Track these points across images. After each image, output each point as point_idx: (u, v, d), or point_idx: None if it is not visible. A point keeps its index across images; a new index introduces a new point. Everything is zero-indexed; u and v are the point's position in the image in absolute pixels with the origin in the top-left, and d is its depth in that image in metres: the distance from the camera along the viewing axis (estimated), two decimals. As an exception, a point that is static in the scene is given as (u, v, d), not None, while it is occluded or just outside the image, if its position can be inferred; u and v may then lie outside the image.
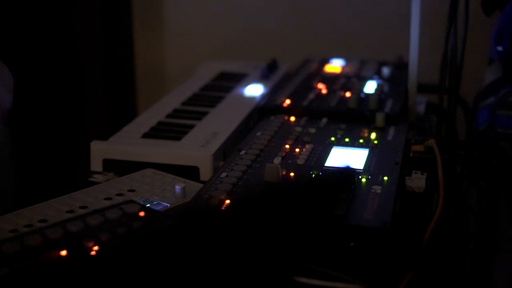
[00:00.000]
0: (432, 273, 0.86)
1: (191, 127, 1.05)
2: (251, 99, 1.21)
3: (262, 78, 1.34)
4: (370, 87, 1.23)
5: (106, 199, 0.83)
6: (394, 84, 1.26)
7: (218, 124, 1.06)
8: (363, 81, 1.28)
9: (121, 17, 1.94)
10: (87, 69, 1.81)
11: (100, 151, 0.98)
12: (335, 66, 1.41)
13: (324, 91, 1.21)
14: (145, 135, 1.02)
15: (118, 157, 0.97)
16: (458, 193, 1.07)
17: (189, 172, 0.93)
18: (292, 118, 1.08)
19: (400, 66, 1.37)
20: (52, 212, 0.79)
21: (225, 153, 0.99)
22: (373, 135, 1.00)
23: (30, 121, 1.38)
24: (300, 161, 0.89)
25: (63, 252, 0.63)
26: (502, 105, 1.17)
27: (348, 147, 0.95)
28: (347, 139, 0.98)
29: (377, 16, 1.81)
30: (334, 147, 0.95)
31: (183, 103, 1.19)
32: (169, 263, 0.62)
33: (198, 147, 0.97)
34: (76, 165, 1.05)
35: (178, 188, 0.84)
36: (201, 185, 0.85)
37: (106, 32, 1.88)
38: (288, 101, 1.13)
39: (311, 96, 1.18)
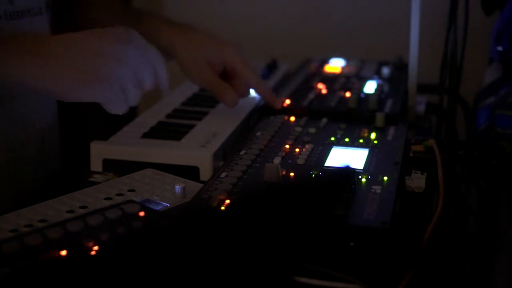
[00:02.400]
0: (432, 273, 0.86)
1: (191, 127, 1.05)
2: (251, 99, 1.21)
3: (262, 78, 1.34)
4: (370, 87, 1.23)
5: (106, 199, 0.83)
6: (394, 84, 1.26)
7: (218, 124, 1.06)
8: (363, 81, 1.28)
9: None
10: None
11: (100, 151, 0.98)
12: (335, 66, 1.41)
13: (324, 91, 1.21)
14: (145, 135, 1.02)
15: (118, 157, 0.97)
16: (458, 193, 1.07)
17: (189, 172, 0.93)
18: (292, 118, 1.08)
19: (400, 66, 1.37)
20: (52, 212, 0.79)
21: (225, 153, 0.99)
22: (373, 135, 1.00)
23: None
24: (300, 161, 0.89)
25: (63, 252, 0.63)
26: (502, 105, 1.17)
27: (348, 147, 0.95)
28: (347, 139, 0.98)
29: (377, 16, 1.81)
30: (334, 147, 0.95)
31: (183, 103, 1.19)
32: (169, 263, 0.62)
33: (198, 147, 0.97)
34: (76, 165, 1.06)
35: (178, 188, 0.84)
36: (201, 185, 0.85)
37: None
38: (288, 101, 1.13)
39: (311, 96, 1.18)
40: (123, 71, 0.81)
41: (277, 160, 0.90)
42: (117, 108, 0.84)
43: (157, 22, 1.11)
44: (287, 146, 0.95)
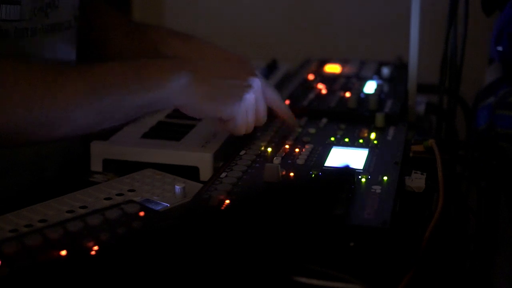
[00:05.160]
0: (432, 273, 0.86)
1: (191, 127, 1.05)
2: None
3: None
4: (370, 87, 1.23)
5: (106, 199, 0.83)
6: (394, 84, 1.26)
7: (218, 124, 1.06)
8: (363, 81, 1.28)
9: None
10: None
11: (100, 151, 0.98)
12: (335, 66, 1.41)
13: (324, 91, 1.21)
14: (145, 135, 1.02)
15: (118, 157, 0.97)
16: (458, 193, 1.07)
17: (189, 172, 0.93)
18: (292, 118, 1.08)
19: (400, 66, 1.37)
20: (52, 212, 0.79)
21: (225, 153, 0.99)
22: (373, 135, 1.00)
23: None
24: (300, 161, 0.89)
25: (63, 252, 0.63)
26: (502, 105, 1.17)
27: (348, 147, 0.95)
28: (347, 139, 0.98)
29: (376, 16, 1.81)
30: (334, 147, 0.95)
31: (183, 103, 1.19)
32: (169, 263, 0.62)
33: (198, 147, 0.97)
34: (76, 165, 1.06)
35: (178, 188, 0.84)
36: (201, 185, 0.85)
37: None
38: (288, 101, 1.13)
39: (311, 96, 1.18)
40: (250, 95, 0.91)
41: (277, 160, 0.90)
42: (238, 127, 0.91)
43: (163, 33, 1.12)
44: (287, 146, 0.95)
